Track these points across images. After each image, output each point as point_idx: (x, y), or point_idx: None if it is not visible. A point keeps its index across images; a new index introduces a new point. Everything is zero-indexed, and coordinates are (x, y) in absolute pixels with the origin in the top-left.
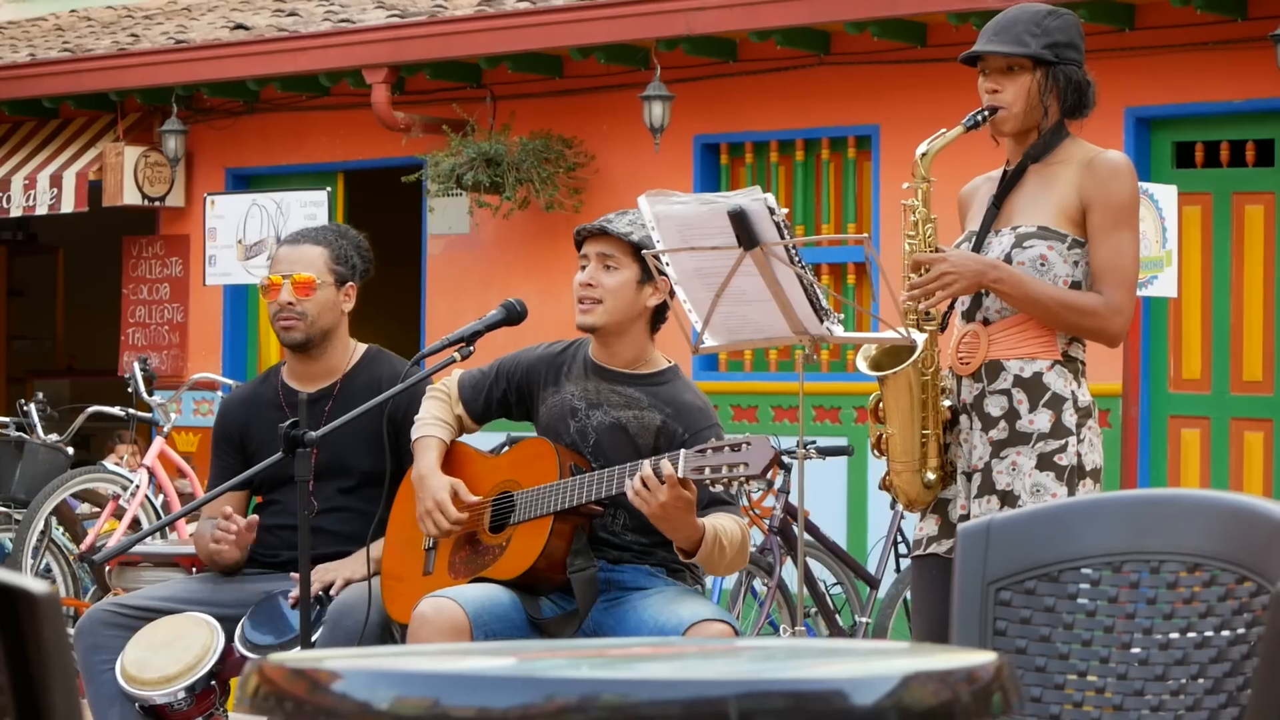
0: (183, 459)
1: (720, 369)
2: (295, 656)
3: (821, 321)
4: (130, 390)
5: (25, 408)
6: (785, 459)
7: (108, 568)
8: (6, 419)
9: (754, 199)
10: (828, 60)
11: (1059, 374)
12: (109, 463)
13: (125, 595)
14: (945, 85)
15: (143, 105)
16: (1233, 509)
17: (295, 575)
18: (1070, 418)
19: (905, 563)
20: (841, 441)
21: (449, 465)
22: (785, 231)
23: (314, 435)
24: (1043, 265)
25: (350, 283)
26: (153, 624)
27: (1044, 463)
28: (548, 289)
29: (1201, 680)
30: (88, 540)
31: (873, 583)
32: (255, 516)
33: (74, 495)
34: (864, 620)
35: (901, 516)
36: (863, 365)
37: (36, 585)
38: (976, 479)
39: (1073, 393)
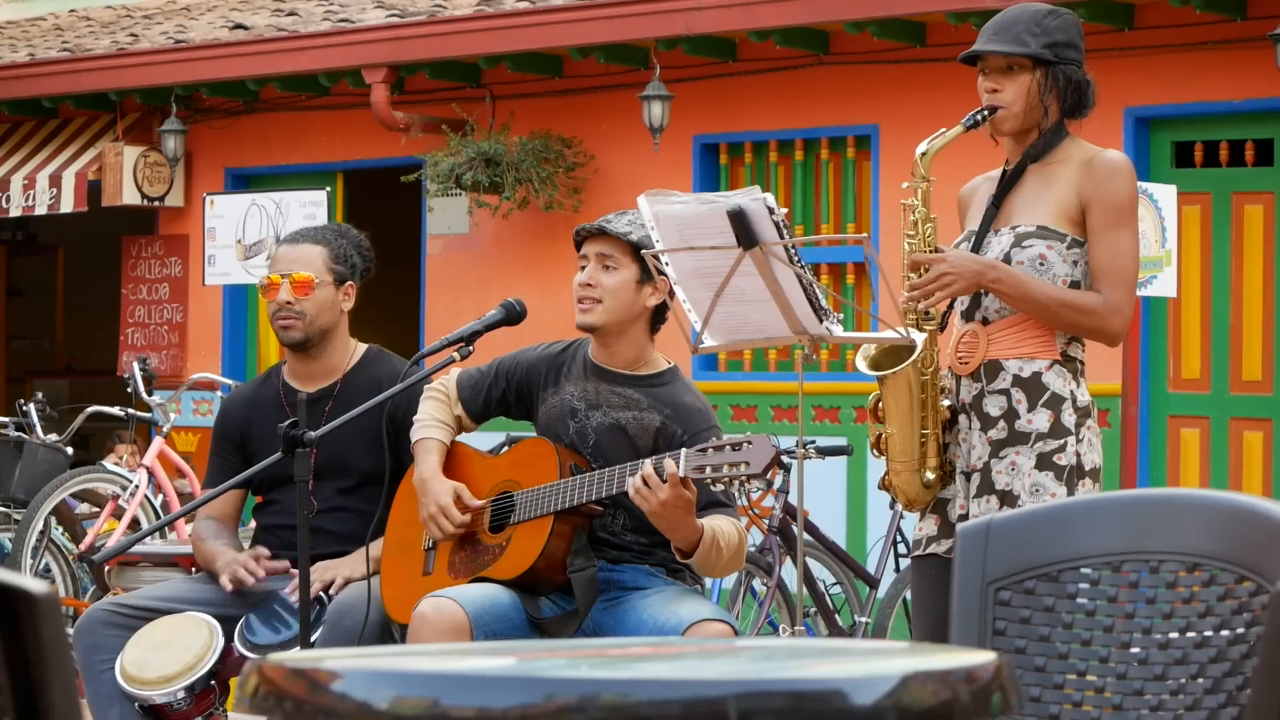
0: (182, 459)
1: (720, 369)
2: (295, 656)
3: (821, 321)
4: (130, 390)
5: (24, 408)
6: (785, 459)
7: (107, 567)
8: (6, 419)
9: (753, 199)
10: (827, 60)
11: (1058, 374)
12: (108, 463)
13: (124, 595)
14: (945, 85)
15: (142, 105)
16: (1232, 509)
17: (294, 571)
18: (1069, 417)
19: (904, 562)
20: (841, 441)
21: (449, 465)
22: (784, 231)
23: (313, 435)
24: (1042, 265)
25: (350, 282)
26: (152, 624)
27: (1043, 462)
28: (547, 289)
29: (1201, 680)
30: (87, 540)
31: (872, 582)
32: (284, 563)
33: (73, 495)
34: (863, 620)
35: (901, 516)
36: (862, 365)
37: (36, 585)
38: (975, 479)
39: (1072, 392)
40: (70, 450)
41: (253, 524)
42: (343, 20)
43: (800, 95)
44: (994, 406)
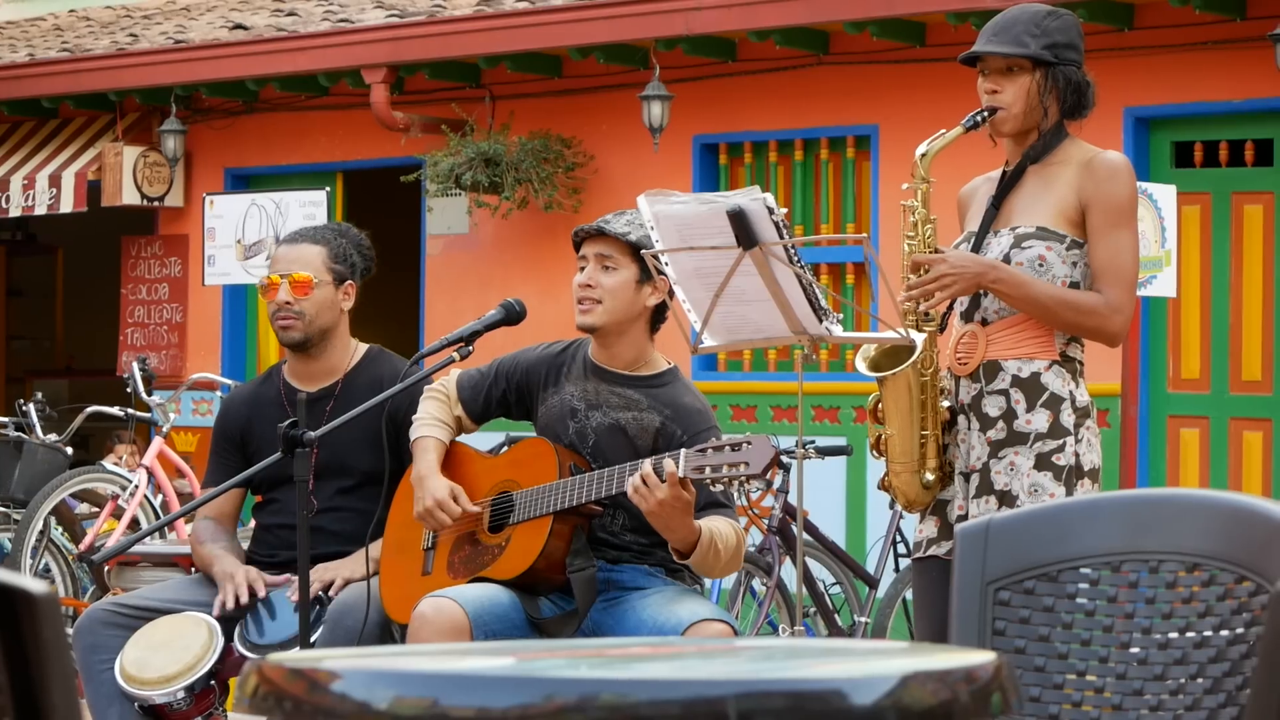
0: (181, 459)
1: (719, 369)
2: (294, 656)
3: (820, 321)
4: (129, 390)
5: (24, 408)
6: (784, 459)
7: (106, 567)
8: (5, 419)
9: (753, 199)
10: (827, 60)
11: (1057, 374)
12: (108, 463)
13: (124, 595)
14: (944, 85)
15: (142, 105)
16: (1232, 509)
17: (293, 578)
18: (1068, 418)
19: (904, 562)
20: (840, 441)
21: (448, 465)
22: (784, 231)
23: (313, 435)
24: (1041, 266)
25: (349, 281)
26: (152, 624)
27: (1042, 463)
28: (546, 289)
29: (1200, 680)
30: (87, 540)
31: (871, 582)
32: (284, 576)
33: (73, 495)
34: (863, 620)
35: (900, 516)
36: (862, 366)
37: (35, 585)
38: (974, 479)
39: (1070, 393)
40: (70, 450)
41: (252, 523)
42: (342, 20)
43: (800, 95)
44: (993, 407)
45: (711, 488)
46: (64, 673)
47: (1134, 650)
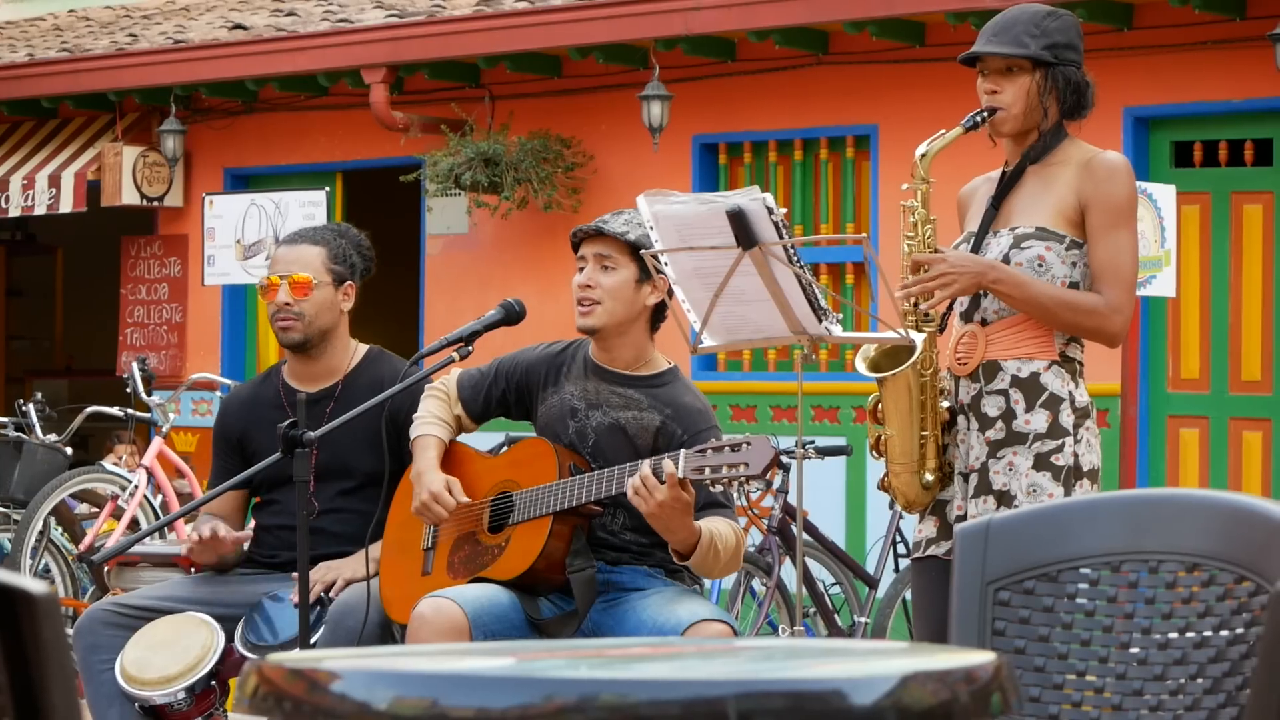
0: (181, 459)
1: (719, 369)
2: (294, 656)
3: (820, 321)
4: (129, 390)
5: (24, 408)
6: (784, 459)
7: (106, 568)
8: (5, 419)
9: (752, 199)
10: (826, 60)
11: (1056, 374)
12: (107, 463)
13: (124, 595)
14: (944, 85)
15: (141, 105)
16: (1231, 509)
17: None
18: (1067, 418)
19: (904, 563)
20: (840, 441)
21: (448, 465)
22: (784, 231)
23: (312, 435)
24: (1040, 266)
25: (349, 282)
26: (152, 624)
27: (1040, 463)
28: (546, 289)
29: (1200, 680)
30: (86, 540)
31: (871, 583)
32: (242, 535)
33: (73, 495)
34: (862, 620)
35: (900, 516)
36: (861, 366)
37: (35, 585)
38: (973, 479)
39: (1070, 393)
40: (69, 450)
41: (252, 523)
42: (342, 20)
43: (799, 95)
44: (992, 407)
45: (711, 488)
46: (64, 673)
47: (1134, 650)
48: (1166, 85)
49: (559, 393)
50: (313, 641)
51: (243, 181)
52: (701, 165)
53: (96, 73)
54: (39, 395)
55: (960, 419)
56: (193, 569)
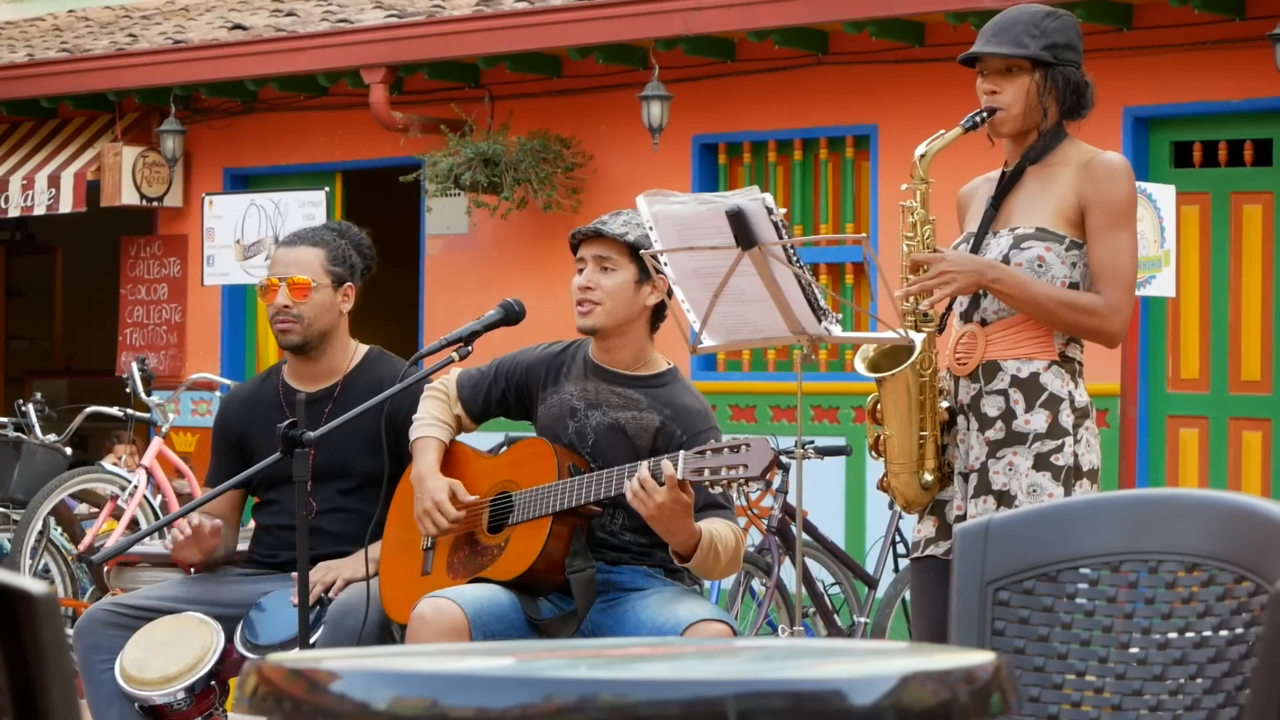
0: (181, 459)
1: (718, 369)
2: (294, 656)
3: (819, 321)
4: (128, 390)
5: (23, 408)
6: (783, 459)
7: (106, 568)
8: (5, 419)
9: (752, 199)
10: (826, 60)
11: (1056, 374)
12: (107, 463)
13: (124, 595)
14: (943, 85)
15: (141, 105)
16: (1231, 509)
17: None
18: (1067, 418)
19: (903, 563)
20: (840, 441)
21: (447, 465)
22: (783, 231)
23: (312, 435)
24: (1040, 266)
25: (349, 283)
26: (152, 624)
27: (1040, 463)
28: (546, 289)
29: (1200, 680)
30: (86, 540)
31: (871, 583)
32: (217, 522)
33: (72, 495)
34: (862, 620)
35: (900, 516)
36: (861, 367)
37: (35, 585)
38: (973, 479)
39: (1069, 393)
40: (69, 450)
41: (252, 524)
42: (341, 20)
43: (799, 95)
44: (992, 407)
45: (710, 489)
46: (64, 673)
47: (1133, 650)
48: (1166, 85)
49: (559, 393)
50: (312, 641)
51: (242, 182)
52: (701, 165)
53: (96, 73)
54: (39, 395)
55: (960, 419)
56: (191, 569)
